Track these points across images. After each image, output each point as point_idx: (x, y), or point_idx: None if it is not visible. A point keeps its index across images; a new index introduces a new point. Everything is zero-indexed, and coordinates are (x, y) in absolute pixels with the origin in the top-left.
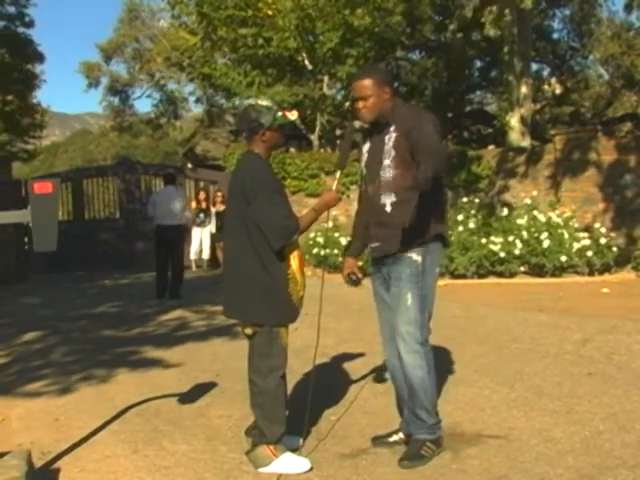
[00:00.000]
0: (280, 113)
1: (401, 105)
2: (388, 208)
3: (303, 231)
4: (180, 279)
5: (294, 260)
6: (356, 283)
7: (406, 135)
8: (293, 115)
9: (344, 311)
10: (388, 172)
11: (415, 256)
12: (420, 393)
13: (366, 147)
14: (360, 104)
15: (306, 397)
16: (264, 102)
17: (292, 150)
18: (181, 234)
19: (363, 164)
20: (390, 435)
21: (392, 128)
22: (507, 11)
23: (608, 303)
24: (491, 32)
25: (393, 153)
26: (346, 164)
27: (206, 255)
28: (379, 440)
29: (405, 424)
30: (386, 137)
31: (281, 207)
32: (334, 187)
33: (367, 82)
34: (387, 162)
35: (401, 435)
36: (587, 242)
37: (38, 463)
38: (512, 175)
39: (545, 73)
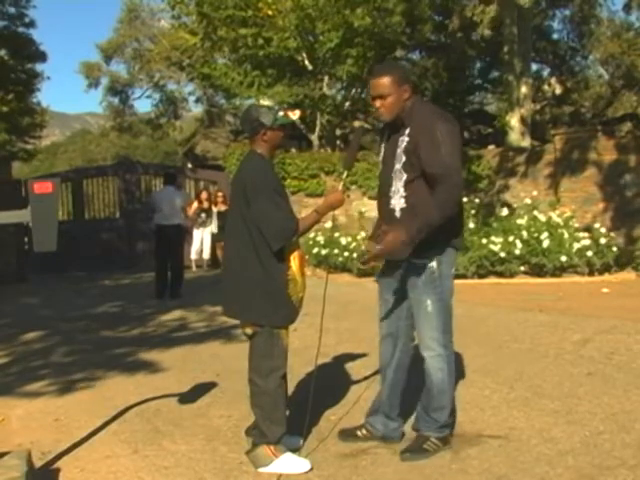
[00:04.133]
0: (282, 113)
1: (419, 105)
2: (397, 214)
3: (303, 233)
4: (180, 279)
5: (294, 261)
6: (367, 263)
7: (418, 145)
8: (295, 115)
9: (344, 311)
10: (398, 177)
11: (430, 263)
12: (438, 395)
13: (384, 140)
14: (378, 103)
15: (307, 397)
16: (266, 102)
17: (292, 150)
18: (181, 234)
19: (380, 158)
20: (357, 429)
21: (407, 131)
22: (497, 9)
23: (608, 303)
24: (485, 32)
25: (403, 158)
26: (353, 165)
27: (207, 255)
28: (346, 433)
29: (415, 420)
30: (399, 139)
31: (281, 208)
32: (340, 188)
33: (385, 80)
34: (398, 166)
35: (364, 431)
36: (587, 242)
37: (38, 463)
38: (512, 175)
39: (545, 73)
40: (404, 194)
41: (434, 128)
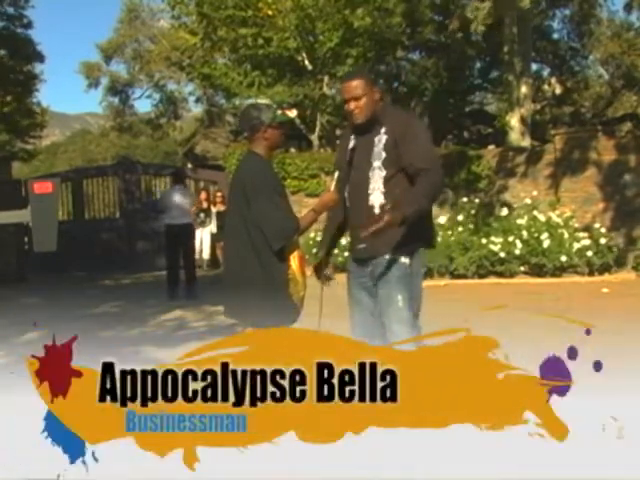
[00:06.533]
0: (280, 111)
1: (391, 107)
2: (377, 210)
3: (302, 232)
4: (194, 278)
5: (294, 260)
6: (329, 279)
7: (397, 141)
8: (292, 113)
9: (343, 311)
10: (377, 174)
11: (403, 259)
12: None
13: (351, 144)
14: (352, 105)
15: None
16: (264, 100)
17: (292, 150)
18: (192, 232)
19: (347, 162)
20: None
21: (383, 130)
22: (491, 6)
23: (608, 303)
24: (479, 28)
25: (384, 155)
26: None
27: (206, 255)
28: None
29: None
30: (376, 138)
31: (281, 208)
32: (332, 187)
33: (358, 82)
34: (377, 164)
35: None
36: (587, 242)
37: None
38: (512, 175)
39: (545, 73)
40: (384, 190)
41: (412, 125)
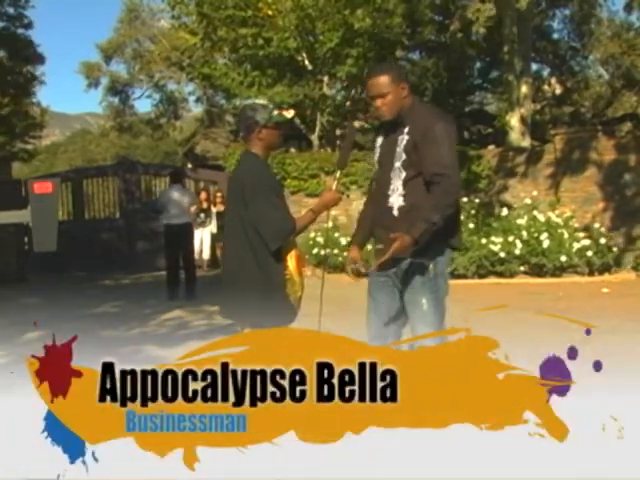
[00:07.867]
0: (276, 111)
1: (418, 105)
2: (395, 212)
3: (300, 232)
4: (194, 278)
5: (291, 260)
6: (359, 275)
7: (417, 143)
8: (289, 113)
9: (344, 312)
10: (397, 175)
11: (426, 262)
12: None
13: (379, 141)
14: (378, 102)
15: None
16: (260, 101)
17: (292, 150)
18: (190, 232)
19: (376, 158)
20: None
21: (406, 130)
22: (492, 7)
23: (608, 303)
24: (481, 30)
25: (404, 157)
26: (347, 164)
27: (206, 255)
28: None
29: None
30: (399, 138)
31: (278, 208)
32: (334, 187)
33: (383, 79)
34: (397, 165)
35: None
36: (587, 242)
37: None
38: (512, 175)
39: (545, 73)
40: (403, 192)
41: (433, 128)
